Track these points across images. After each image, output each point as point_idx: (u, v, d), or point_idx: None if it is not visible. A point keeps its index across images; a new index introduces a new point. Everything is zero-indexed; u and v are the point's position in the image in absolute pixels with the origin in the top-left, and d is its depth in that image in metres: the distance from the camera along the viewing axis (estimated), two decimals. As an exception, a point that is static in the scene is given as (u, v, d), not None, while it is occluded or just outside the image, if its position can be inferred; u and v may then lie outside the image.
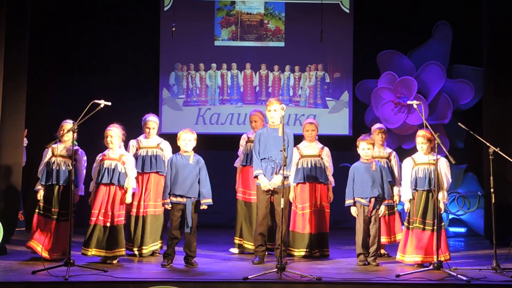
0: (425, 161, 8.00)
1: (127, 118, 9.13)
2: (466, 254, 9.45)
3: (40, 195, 8.18)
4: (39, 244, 7.96)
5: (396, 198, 8.73)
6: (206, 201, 7.90)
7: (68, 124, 8.25)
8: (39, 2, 10.96)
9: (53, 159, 8.18)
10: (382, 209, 8.18)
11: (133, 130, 8.87)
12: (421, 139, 8.05)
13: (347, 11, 12.69)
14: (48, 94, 11.85)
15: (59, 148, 8.21)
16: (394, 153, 8.98)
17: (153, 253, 8.63)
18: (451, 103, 11.35)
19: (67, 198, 7.83)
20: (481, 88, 11.16)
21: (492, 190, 7.75)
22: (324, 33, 10.81)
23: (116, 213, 8.00)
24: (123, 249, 8.07)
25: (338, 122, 12.62)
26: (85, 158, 8.30)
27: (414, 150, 8.40)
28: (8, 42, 9.03)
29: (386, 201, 8.23)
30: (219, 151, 8.96)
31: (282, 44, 12.76)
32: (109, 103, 7.67)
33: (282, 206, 7.40)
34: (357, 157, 8.36)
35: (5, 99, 9.09)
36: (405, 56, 11.95)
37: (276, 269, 7.04)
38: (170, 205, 7.84)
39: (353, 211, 8.17)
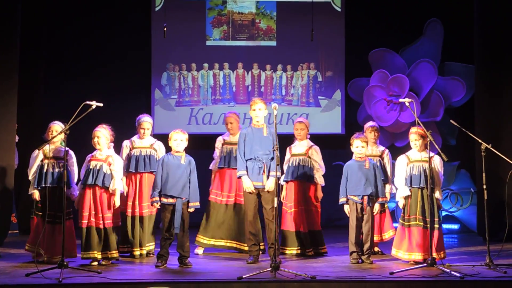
0: (419, 159, 8.01)
1: (119, 119, 9.15)
2: (459, 250, 9.47)
3: (37, 196, 8.13)
4: (39, 248, 7.95)
5: (387, 195, 8.75)
6: (194, 204, 7.89)
7: (56, 125, 8.23)
8: (30, 3, 10.93)
9: (45, 161, 8.14)
10: (377, 207, 8.20)
11: (126, 130, 8.86)
12: (414, 135, 8.06)
13: (339, 9, 12.70)
14: (40, 95, 11.82)
15: (48, 149, 8.16)
16: (387, 151, 9.00)
17: (147, 254, 8.62)
18: (443, 101, 11.38)
19: (61, 200, 7.82)
20: (472, 85, 11.19)
21: (484, 186, 7.77)
22: (316, 31, 10.84)
23: (105, 215, 7.96)
24: (115, 251, 8.03)
25: (331, 121, 12.63)
26: (74, 158, 8.25)
27: (406, 147, 8.42)
28: (-2, 43, 9.02)
29: (379, 199, 8.25)
30: (212, 151, 8.96)
31: (274, 43, 12.76)
32: (101, 104, 7.65)
33: (275, 205, 7.40)
34: (350, 156, 8.36)
35: (-4, 101, 9.08)
36: (396, 54, 11.97)
37: (270, 268, 7.03)
38: (159, 203, 7.83)
39: (346, 209, 8.18)
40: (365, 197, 8.10)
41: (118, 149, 8.51)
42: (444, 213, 11.56)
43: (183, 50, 12.64)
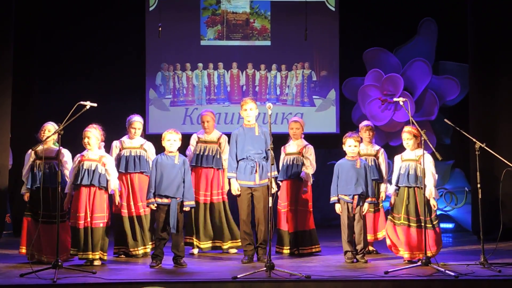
0: (410, 158, 8.04)
1: (113, 119, 9.13)
2: (454, 249, 9.49)
3: (27, 197, 8.14)
4: (32, 249, 7.93)
5: (382, 195, 8.76)
6: (190, 203, 7.90)
7: (49, 125, 8.22)
8: (23, 5, 10.91)
9: (37, 161, 8.12)
10: (366, 206, 8.19)
11: (120, 131, 8.84)
12: (406, 135, 8.07)
13: (333, 9, 12.71)
14: (34, 96, 11.80)
15: (41, 150, 8.14)
16: (382, 150, 9.01)
17: (145, 254, 8.62)
18: (437, 100, 11.40)
19: (54, 200, 7.81)
20: (467, 84, 11.21)
21: (479, 185, 7.78)
22: (310, 31, 10.84)
23: (95, 215, 7.94)
24: (103, 253, 8.02)
25: (326, 120, 12.64)
26: (69, 158, 8.22)
27: (401, 147, 8.42)
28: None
29: (369, 199, 8.25)
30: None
31: (268, 43, 12.76)
32: (95, 105, 7.64)
33: (270, 205, 7.40)
34: (344, 155, 8.36)
35: (-9, 102, 9.08)
36: (391, 53, 11.99)
37: (265, 268, 7.03)
38: (156, 205, 7.83)
39: (337, 208, 8.19)
40: (356, 197, 8.10)
41: (108, 149, 8.49)
42: (438, 212, 11.58)
43: (178, 50, 12.64)
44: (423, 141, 7.68)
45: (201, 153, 8.85)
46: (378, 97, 11.54)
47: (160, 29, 10.64)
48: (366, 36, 12.42)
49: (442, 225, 11.75)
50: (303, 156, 8.73)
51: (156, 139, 8.79)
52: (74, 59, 12.32)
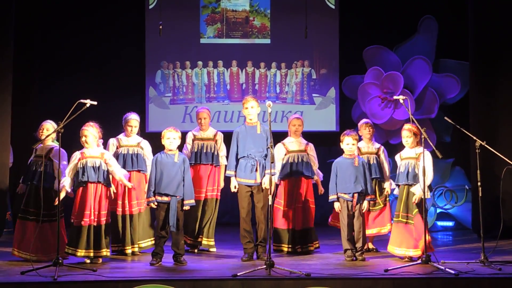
0: (409, 156, 8.05)
1: (113, 117, 9.11)
2: (454, 247, 9.50)
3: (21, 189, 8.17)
4: (24, 251, 7.94)
5: (388, 190, 8.77)
6: (189, 201, 7.91)
7: (48, 124, 8.22)
8: (23, 2, 10.90)
9: (36, 159, 8.13)
10: (365, 204, 8.20)
11: (119, 129, 8.83)
12: (406, 132, 8.08)
13: (333, 7, 12.70)
14: (34, 95, 11.80)
15: (40, 148, 8.15)
16: (382, 147, 9.02)
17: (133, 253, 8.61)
18: (438, 98, 11.39)
19: (51, 198, 7.83)
20: (467, 82, 11.20)
21: (479, 183, 7.78)
22: (310, 29, 10.83)
23: (102, 212, 7.96)
24: (107, 249, 8.03)
25: (325, 118, 12.64)
26: (64, 156, 8.22)
27: (401, 145, 8.43)
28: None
29: (369, 197, 8.25)
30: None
31: (268, 41, 12.76)
32: (95, 103, 7.64)
33: (270, 203, 7.41)
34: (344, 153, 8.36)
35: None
36: (391, 51, 11.97)
37: (265, 266, 7.04)
38: (156, 203, 7.83)
39: (337, 206, 8.19)
40: (355, 195, 8.10)
41: (105, 147, 8.48)
42: (439, 210, 11.60)
43: (177, 48, 12.63)
44: (423, 139, 7.68)
45: (200, 151, 8.85)
46: (378, 95, 11.53)
47: (160, 27, 10.63)
48: (366, 34, 12.40)
49: (442, 223, 11.78)
50: (307, 154, 8.75)
51: (155, 137, 8.80)
52: (74, 57, 12.30)
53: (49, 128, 8.19)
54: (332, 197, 8.20)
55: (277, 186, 8.73)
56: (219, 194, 8.95)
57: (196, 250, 8.88)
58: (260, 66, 12.69)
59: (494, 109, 10.32)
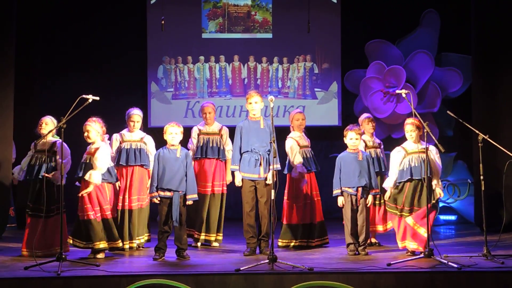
0: (416, 150, 7.99)
1: (116, 113, 9.12)
2: (457, 241, 9.49)
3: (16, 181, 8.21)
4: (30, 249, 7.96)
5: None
6: (192, 196, 7.92)
7: (47, 119, 8.23)
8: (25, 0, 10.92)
9: (37, 155, 8.13)
10: (370, 198, 8.19)
11: (122, 124, 8.84)
12: (410, 126, 8.05)
13: (335, 1, 12.68)
14: (36, 91, 11.81)
15: (42, 143, 8.15)
16: (381, 143, 9.08)
17: (138, 247, 8.61)
18: (440, 92, 11.37)
19: (52, 193, 7.84)
20: (469, 76, 11.19)
21: (481, 177, 7.77)
22: (312, 23, 10.81)
23: (106, 207, 7.97)
24: (102, 242, 8.04)
25: (328, 113, 12.63)
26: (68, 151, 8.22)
27: (403, 139, 8.42)
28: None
29: (373, 191, 8.24)
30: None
31: (270, 35, 12.75)
32: (97, 98, 7.64)
33: (273, 197, 7.41)
34: (347, 148, 8.35)
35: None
36: (393, 45, 11.96)
37: (267, 260, 7.05)
38: (159, 199, 7.84)
39: (340, 201, 8.18)
40: (360, 189, 8.11)
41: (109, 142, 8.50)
42: (441, 204, 11.61)
43: (179, 43, 12.63)
44: (425, 133, 7.67)
45: (205, 145, 8.86)
46: (380, 89, 11.52)
47: (163, 22, 10.63)
48: (368, 28, 12.39)
49: (445, 217, 11.78)
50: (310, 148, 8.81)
51: (158, 133, 8.80)
52: (76, 53, 12.31)
53: (48, 122, 8.20)
54: (336, 191, 8.20)
55: (284, 177, 8.70)
56: (225, 188, 8.96)
57: (199, 244, 8.88)
58: (262, 61, 12.68)
59: (496, 102, 10.31)
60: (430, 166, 7.79)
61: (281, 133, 8.95)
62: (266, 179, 8.08)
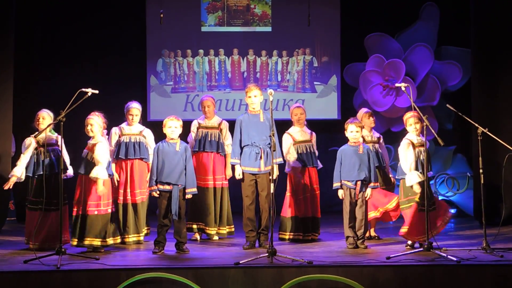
0: (418, 143, 7.96)
1: (115, 106, 9.10)
2: (456, 234, 9.50)
3: (11, 183, 8.07)
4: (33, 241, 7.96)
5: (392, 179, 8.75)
6: (192, 190, 7.92)
7: (44, 113, 8.21)
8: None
9: (40, 149, 8.12)
10: (369, 192, 8.18)
11: (121, 118, 8.84)
12: (414, 119, 7.97)
13: (334, -6, 12.66)
14: (35, 85, 11.77)
15: (43, 138, 8.14)
16: (381, 136, 9.06)
17: (138, 242, 8.63)
18: (439, 85, 11.38)
19: (57, 187, 7.84)
20: (469, 69, 11.19)
21: (481, 170, 7.77)
22: (311, 16, 10.81)
23: (106, 202, 7.96)
24: (114, 238, 8.06)
25: (327, 106, 12.62)
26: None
27: (403, 132, 8.40)
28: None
29: (372, 184, 8.22)
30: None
31: (269, 29, 12.73)
32: (96, 91, 7.62)
33: (272, 191, 7.42)
34: (346, 141, 8.35)
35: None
36: (392, 38, 11.95)
37: (267, 254, 7.05)
38: (158, 192, 7.84)
39: (340, 193, 8.18)
40: (359, 182, 8.10)
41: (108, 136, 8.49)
42: (440, 198, 11.61)
43: (178, 36, 12.61)
44: (425, 127, 7.67)
45: (204, 138, 8.86)
46: (380, 82, 11.52)
47: (161, 15, 10.61)
48: (367, 22, 12.37)
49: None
50: (312, 143, 8.77)
51: (157, 126, 8.78)
52: (75, 47, 12.29)
53: (45, 117, 8.17)
54: (336, 184, 8.20)
55: (287, 175, 8.71)
56: (225, 182, 8.96)
57: (199, 238, 8.89)
58: (261, 54, 12.67)
59: (496, 96, 10.30)
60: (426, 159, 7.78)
61: (281, 126, 8.92)
62: (268, 173, 8.05)
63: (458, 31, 11.95)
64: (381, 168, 8.80)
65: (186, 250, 7.82)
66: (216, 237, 8.92)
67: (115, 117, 8.75)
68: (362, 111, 9.06)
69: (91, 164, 7.85)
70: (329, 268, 6.79)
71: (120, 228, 8.47)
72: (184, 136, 8.21)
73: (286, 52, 12.69)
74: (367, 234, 8.52)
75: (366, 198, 8.18)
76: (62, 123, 7.39)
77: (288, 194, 8.75)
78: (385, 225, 9.34)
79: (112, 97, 10.90)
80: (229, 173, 8.87)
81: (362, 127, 8.31)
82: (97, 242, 7.86)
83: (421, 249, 7.51)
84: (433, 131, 7.77)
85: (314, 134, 8.87)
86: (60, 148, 7.76)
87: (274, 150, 7.51)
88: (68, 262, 7.01)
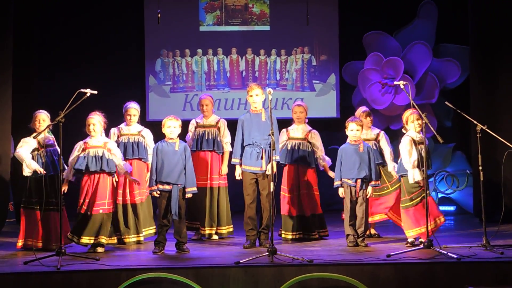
0: (419, 140, 7.95)
1: (113, 107, 9.09)
2: (456, 232, 9.51)
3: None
4: (33, 240, 7.96)
5: (393, 174, 8.71)
6: (192, 189, 7.92)
7: (42, 114, 8.21)
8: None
9: (40, 150, 8.13)
10: (370, 190, 8.19)
11: (120, 118, 8.84)
12: (415, 115, 7.96)
13: (332, -8, 12.65)
14: (34, 86, 11.76)
15: (42, 138, 8.14)
16: (382, 132, 8.97)
17: (138, 242, 8.63)
18: (438, 82, 11.37)
19: (53, 188, 7.84)
20: (467, 67, 11.18)
21: (480, 168, 7.78)
22: (310, 15, 10.80)
23: (97, 202, 7.96)
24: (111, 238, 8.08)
25: (326, 105, 12.62)
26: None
27: (401, 130, 8.40)
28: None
29: (373, 182, 8.22)
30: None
31: (267, 28, 12.72)
32: (95, 92, 7.63)
33: (271, 190, 7.42)
34: (345, 139, 8.36)
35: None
36: (391, 36, 11.94)
37: (267, 253, 7.05)
38: (158, 192, 7.84)
39: (340, 192, 8.19)
40: (359, 181, 8.10)
41: (107, 136, 8.48)
42: (440, 195, 11.62)
43: (177, 36, 12.59)
44: (424, 124, 7.67)
45: (201, 137, 8.86)
46: (378, 80, 11.52)
47: (159, 15, 10.61)
48: (365, 20, 12.36)
49: (444, 208, 11.79)
50: (309, 142, 8.73)
51: (156, 126, 8.80)
52: (74, 47, 12.27)
53: (44, 118, 8.18)
54: (336, 182, 8.21)
55: (282, 170, 8.70)
56: (223, 182, 8.94)
57: (216, 237, 8.89)
58: (260, 53, 12.66)
59: (494, 93, 10.31)
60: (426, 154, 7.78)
61: (280, 125, 8.88)
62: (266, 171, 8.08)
63: (456, 29, 11.95)
64: (379, 165, 8.76)
65: (186, 250, 7.82)
66: (215, 237, 8.92)
67: (114, 118, 8.75)
68: (360, 110, 9.05)
69: (108, 162, 7.94)
70: (330, 267, 6.80)
71: (120, 228, 8.47)
72: (182, 136, 8.21)
73: (284, 51, 12.69)
74: (368, 232, 8.52)
75: (367, 196, 8.18)
76: (61, 124, 7.40)
77: (282, 193, 8.77)
78: (385, 223, 9.34)
79: (111, 97, 10.88)
80: (224, 169, 8.86)
81: (362, 126, 8.31)
82: (103, 239, 7.91)
83: (421, 246, 7.51)
84: (432, 128, 7.77)
85: (313, 132, 8.81)
86: (57, 149, 7.78)
87: (273, 149, 7.52)
88: (68, 263, 7.01)
